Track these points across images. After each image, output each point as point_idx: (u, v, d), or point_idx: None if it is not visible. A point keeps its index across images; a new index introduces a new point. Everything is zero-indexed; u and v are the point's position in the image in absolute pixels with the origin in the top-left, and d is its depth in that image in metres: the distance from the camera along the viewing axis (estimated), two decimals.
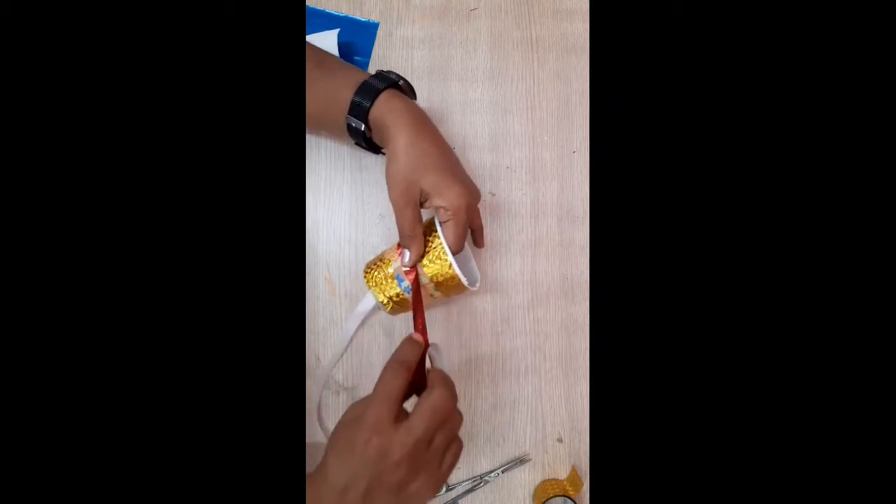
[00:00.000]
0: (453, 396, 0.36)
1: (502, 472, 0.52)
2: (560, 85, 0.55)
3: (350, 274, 0.53)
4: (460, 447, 0.38)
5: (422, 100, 0.54)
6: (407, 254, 0.42)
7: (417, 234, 0.41)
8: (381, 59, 0.54)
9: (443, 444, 0.36)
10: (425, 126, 0.42)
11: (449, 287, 0.43)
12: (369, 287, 0.45)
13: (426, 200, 0.41)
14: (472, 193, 0.42)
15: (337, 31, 0.50)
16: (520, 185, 0.54)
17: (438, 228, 0.42)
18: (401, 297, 0.44)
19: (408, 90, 0.44)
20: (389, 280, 0.44)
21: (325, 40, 0.50)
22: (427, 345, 0.39)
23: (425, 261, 0.42)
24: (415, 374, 0.37)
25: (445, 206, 0.40)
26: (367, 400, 0.35)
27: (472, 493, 0.52)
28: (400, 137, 0.40)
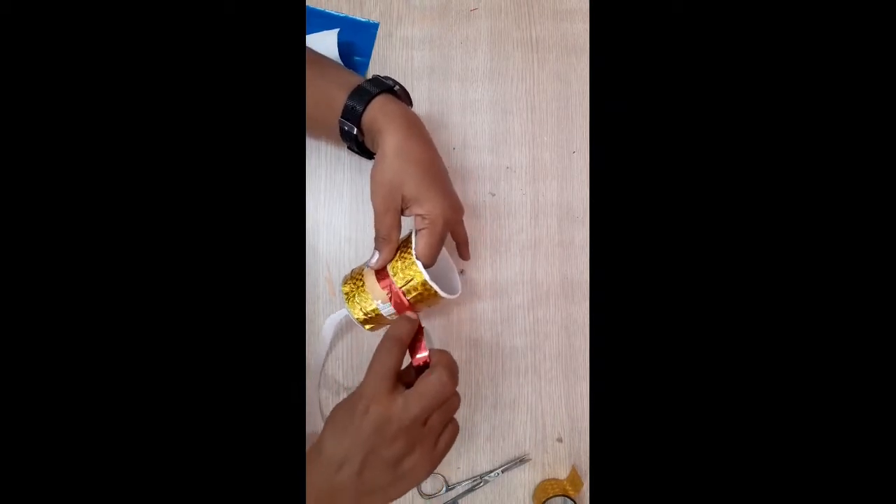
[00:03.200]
0: (454, 379, 0.36)
1: (502, 471, 0.52)
2: (560, 85, 0.55)
3: None
4: (457, 429, 0.38)
5: (422, 100, 0.54)
6: (376, 255, 0.41)
7: (392, 239, 0.41)
8: (381, 59, 0.54)
9: (439, 424, 0.36)
10: (417, 132, 0.41)
11: (421, 297, 0.41)
12: (347, 303, 0.44)
13: (407, 207, 0.41)
14: (452, 207, 0.41)
15: (337, 30, 0.50)
16: (520, 185, 0.54)
17: (413, 240, 0.41)
18: (376, 312, 0.43)
19: (403, 96, 0.44)
20: (366, 294, 0.43)
21: (325, 40, 0.50)
22: (420, 323, 0.40)
23: (398, 272, 0.41)
24: (412, 350, 0.38)
25: (423, 214, 0.40)
26: (362, 383, 0.36)
27: (472, 493, 0.52)
28: (390, 140, 0.39)
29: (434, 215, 0.40)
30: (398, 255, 0.42)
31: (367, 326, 0.45)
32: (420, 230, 0.41)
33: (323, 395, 0.52)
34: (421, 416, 0.35)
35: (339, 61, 0.50)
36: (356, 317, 0.44)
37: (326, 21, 0.54)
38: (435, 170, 0.41)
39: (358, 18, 0.55)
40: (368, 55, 0.54)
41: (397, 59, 0.54)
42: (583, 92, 0.55)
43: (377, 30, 0.54)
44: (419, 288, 0.41)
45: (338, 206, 0.53)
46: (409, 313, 0.41)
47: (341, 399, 0.52)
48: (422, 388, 0.35)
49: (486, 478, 0.52)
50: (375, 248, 0.42)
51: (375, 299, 0.42)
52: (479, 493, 0.52)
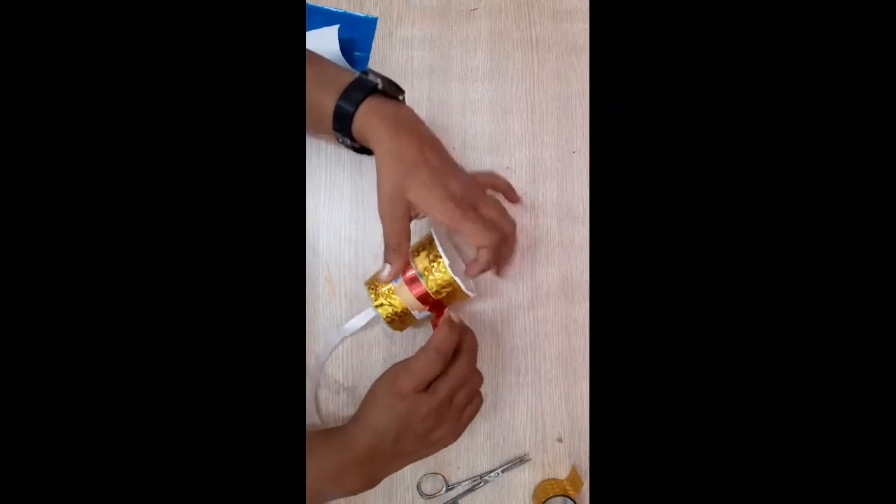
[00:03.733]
0: (474, 360, 0.42)
1: (502, 472, 0.52)
2: (560, 85, 0.55)
3: (350, 274, 0.53)
4: (480, 402, 0.43)
5: (422, 99, 0.54)
6: (387, 268, 0.42)
7: (403, 250, 0.41)
8: (381, 59, 0.54)
9: (464, 400, 0.41)
10: (405, 129, 0.40)
11: (450, 298, 0.45)
12: (380, 312, 0.45)
13: (417, 213, 0.41)
14: (464, 189, 0.40)
15: (337, 27, 0.50)
16: (520, 185, 0.54)
17: (435, 239, 0.43)
18: (409, 315, 0.45)
19: (390, 88, 0.42)
20: (399, 304, 0.45)
21: (325, 37, 0.50)
22: (462, 328, 0.43)
23: (430, 278, 0.43)
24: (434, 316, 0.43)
25: (441, 219, 0.39)
26: (404, 370, 0.40)
27: (472, 493, 0.52)
28: (381, 148, 0.39)
29: (445, 216, 0.39)
30: (429, 261, 0.43)
31: (399, 329, 0.47)
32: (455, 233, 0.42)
33: (323, 395, 0.52)
34: (447, 398, 0.40)
35: (341, 57, 0.50)
36: (386, 321, 0.46)
37: (325, 17, 0.54)
38: (433, 165, 0.40)
39: (357, 14, 0.55)
40: (368, 50, 0.54)
41: (397, 59, 0.54)
42: (583, 92, 0.55)
43: (376, 24, 0.54)
44: (449, 290, 0.43)
45: (338, 206, 0.53)
46: (451, 318, 0.41)
47: (340, 398, 0.52)
48: (448, 377, 0.40)
49: (486, 478, 0.52)
50: (385, 260, 0.42)
51: (410, 307, 0.44)
52: (479, 493, 0.52)
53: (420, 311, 0.45)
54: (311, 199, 0.53)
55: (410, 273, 0.44)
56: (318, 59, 0.44)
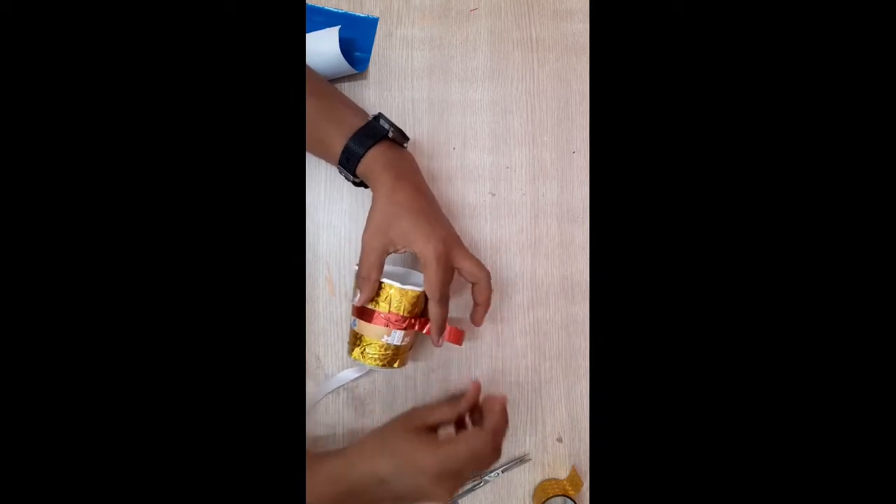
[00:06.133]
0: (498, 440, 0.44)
1: (502, 472, 0.52)
2: (560, 85, 0.55)
3: (350, 274, 0.53)
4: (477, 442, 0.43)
5: (422, 99, 0.54)
6: (359, 294, 0.44)
7: (372, 279, 0.43)
8: (382, 59, 0.54)
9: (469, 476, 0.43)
10: (407, 178, 0.44)
11: (413, 305, 0.45)
12: (364, 362, 0.45)
13: (396, 248, 0.43)
14: (442, 241, 0.43)
15: (337, 27, 0.50)
16: (520, 185, 0.54)
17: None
18: (390, 347, 0.45)
19: (398, 136, 0.45)
20: (371, 341, 0.45)
21: (326, 37, 0.50)
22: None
23: (379, 301, 0.44)
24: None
25: (416, 252, 0.43)
26: (439, 455, 0.41)
27: (472, 493, 0.52)
28: (381, 189, 0.43)
29: (425, 252, 0.42)
30: (377, 294, 0.44)
31: (396, 364, 0.46)
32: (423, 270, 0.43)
33: (326, 401, 0.52)
34: (454, 454, 0.41)
35: (341, 58, 0.50)
36: (378, 365, 0.45)
37: (326, 18, 0.54)
38: (421, 210, 0.43)
39: (357, 14, 0.55)
40: (369, 50, 0.54)
41: (397, 59, 0.54)
42: (583, 92, 0.55)
43: (377, 24, 0.54)
44: (401, 299, 0.44)
45: (338, 207, 0.53)
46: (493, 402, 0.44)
47: (340, 398, 0.52)
48: (464, 434, 0.43)
49: (486, 478, 0.52)
50: (357, 286, 0.45)
51: (380, 337, 0.44)
52: (479, 493, 0.52)
53: (399, 336, 0.44)
54: (311, 199, 0.53)
55: (359, 306, 0.45)
56: (329, 92, 0.46)
